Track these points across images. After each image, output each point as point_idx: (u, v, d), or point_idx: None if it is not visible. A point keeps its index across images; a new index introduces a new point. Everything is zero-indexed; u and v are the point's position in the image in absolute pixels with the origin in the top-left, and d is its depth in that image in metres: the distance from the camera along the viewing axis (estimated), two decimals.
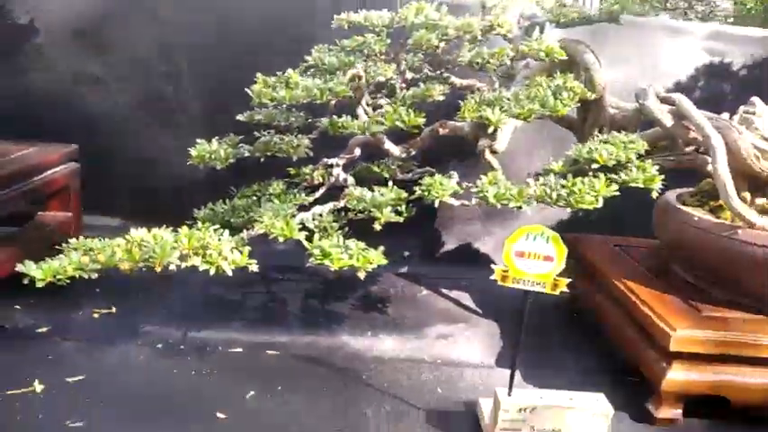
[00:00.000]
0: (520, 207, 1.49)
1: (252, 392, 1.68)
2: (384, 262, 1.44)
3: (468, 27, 1.71)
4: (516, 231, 1.39)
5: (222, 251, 1.42)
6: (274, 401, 1.66)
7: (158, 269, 1.37)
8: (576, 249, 2.22)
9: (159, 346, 1.89)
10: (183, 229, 1.44)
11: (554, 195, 1.49)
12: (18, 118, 2.52)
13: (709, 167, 1.73)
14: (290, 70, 1.72)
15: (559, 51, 1.72)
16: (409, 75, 1.94)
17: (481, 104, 1.64)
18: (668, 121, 1.81)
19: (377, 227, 1.51)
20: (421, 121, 1.62)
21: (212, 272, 1.37)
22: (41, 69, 2.55)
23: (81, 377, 1.69)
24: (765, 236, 1.64)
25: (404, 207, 1.57)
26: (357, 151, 1.99)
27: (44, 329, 1.92)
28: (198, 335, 1.97)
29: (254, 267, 1.41)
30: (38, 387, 1.62)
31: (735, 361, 1.59)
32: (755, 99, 1.91)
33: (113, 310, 2.06)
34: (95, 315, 2.03)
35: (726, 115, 1.90)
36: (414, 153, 2.00)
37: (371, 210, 1.53)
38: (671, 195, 1.96)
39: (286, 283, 2.34)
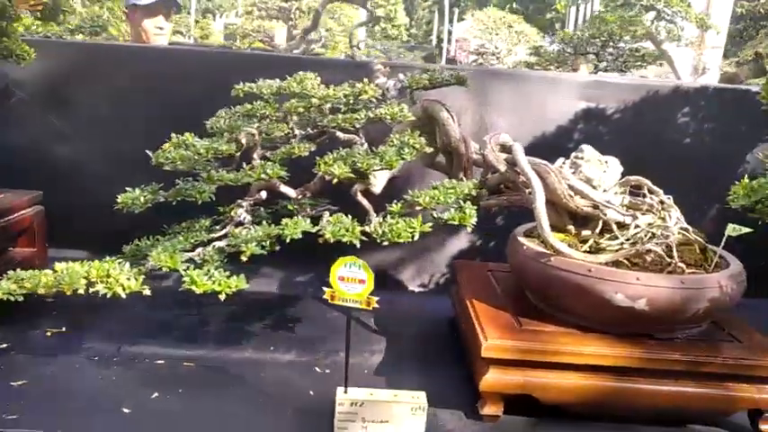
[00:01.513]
0: (352, 242, 1.86)
1: (156, 394, 2.07)
2: (245, 287, 1.83)
3: (329, 96, 2.12)
4: (338, 261, 1.77)
5: (120, 279, 1.83)
6: (174, 400, 2.04)
7: (68, 293, 1.79)
8: (455, 274, 2.58)
9: (96, 358, 2.29)
10: (94, 263, 1.85)
11: (380, 231, 1.86)
12: None
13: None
14: (187, 134, 2.14)
15: (404, 115, 2.09)
16: (298, 131, 2.35)
17: (336, 160, 2.02)
18: (502, 167, 2.17)
19: (243, 258, 1.90)
20: (283, 173, 2.02)
21: (109, 295, 1.78)
22: (14, 127, 3.02)
23: (24, 381, 2.10)
24: (570, 262, 1.98)
25: (268, 243, 1.95)
26: (263, 194, 2.39)
27: (3, 345, 2.34)
28: (130, 349, 2.36)
29: (147, 292, 1.82)
30: None
31: (540, 366, 1.92)
32: (585, 146, 2.25)
33: (63, 329, 2.48)
34: (48, 334, 2.44)
35: (560, 160, 2.26)
36: (309, 195, 2.39)
37: (241, 245, 1.92)
38: (519, 228, 2.32)
39: (215, 306, 2.70)
